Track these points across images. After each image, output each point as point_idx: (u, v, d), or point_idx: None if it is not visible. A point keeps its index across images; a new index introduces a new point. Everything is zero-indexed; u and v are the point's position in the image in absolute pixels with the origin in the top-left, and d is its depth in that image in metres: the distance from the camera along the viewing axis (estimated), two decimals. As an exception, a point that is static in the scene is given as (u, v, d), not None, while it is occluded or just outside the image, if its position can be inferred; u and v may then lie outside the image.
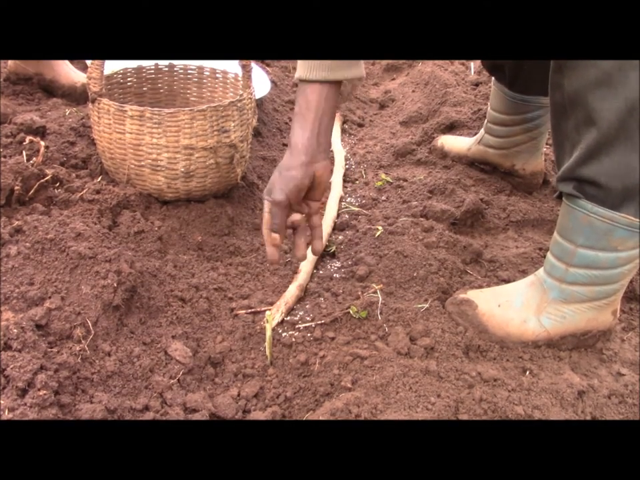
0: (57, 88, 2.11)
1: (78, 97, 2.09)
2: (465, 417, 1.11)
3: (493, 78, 1.85)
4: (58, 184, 1.55)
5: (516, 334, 1.28)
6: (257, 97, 2.08)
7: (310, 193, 1.28)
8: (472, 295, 1.34)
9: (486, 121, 1.94)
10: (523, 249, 1.63)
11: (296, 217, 1.29)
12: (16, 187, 1.43)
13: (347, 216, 1.84)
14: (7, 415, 0.94)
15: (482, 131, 1.97)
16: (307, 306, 1.37)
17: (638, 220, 1.14)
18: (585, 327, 1.28)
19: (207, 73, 1.95)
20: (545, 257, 1.56)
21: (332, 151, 2.26)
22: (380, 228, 1.66)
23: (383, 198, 1.95)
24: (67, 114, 1.93)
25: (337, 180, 1.99)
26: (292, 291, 1.42)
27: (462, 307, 1.32)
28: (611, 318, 1.30)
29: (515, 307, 1.30)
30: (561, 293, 1.26)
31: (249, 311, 1.38)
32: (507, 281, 1.49)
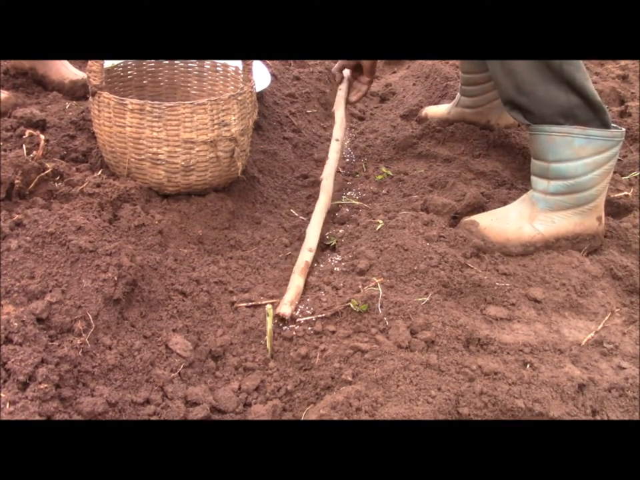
0: (47, 83, 2.12)
1: (65, 93, 2.08)
2: (465, 411, 1.11)
3: None
4: (58, 177, 1.55)
5: (514, 239, 1.52)
6: (258, 90, 2.07)
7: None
8: (475, 217, 1.60)
9: (460, 84, 2.18)
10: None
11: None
12: (16, 181, 1.42)
13: (347, 209, 1.84)
14: (8, 409, 0.95)
15: (458, 94, 2.21)
16: (308, 299, 1.37)
17: (589, 128, 1.42)
18: (573, 229, 1.51)
19: (208, 67, 1.95)
20: (545, 250, 1.56)
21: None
22: (380, 221, 1.65)
23: (384, 191, 1.94)
24: (67, 107, 1.93)
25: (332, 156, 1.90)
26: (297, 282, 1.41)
27: (467, 226, 1.57)
28: (596, 223, 1.52)
29: (510, 218, 1.54)
30: (547, 203, 1.51)
31: (250, 304, 1.38)
32: (508, 275, 1.49)
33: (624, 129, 1.50)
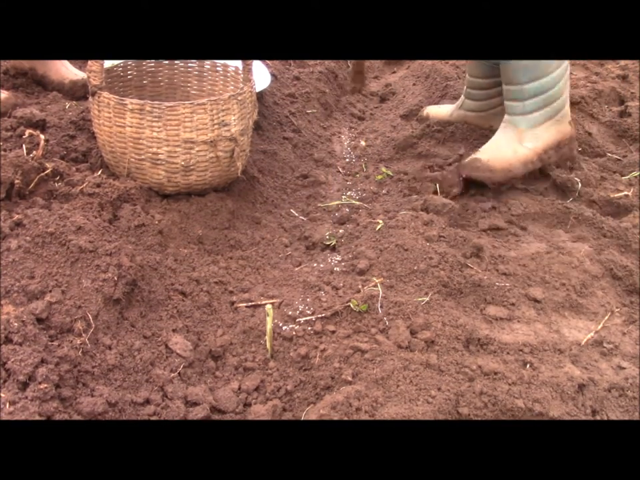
0: (47, 83, 2.11)
1: (65, 93, 2.08)
2: (465, 411, 1.11)
3: None
4: (58, 177, 1.55)
5: (514, 161, 1.71)
6: (258, 90, 2.07)
7: None
8: (472, 156, 1.76)
9: (465, 87, 2.20)
10: (524, 244, 1.63)
11: None
12: (16, 181, 1.42)
13: (347, 209, 1.84)
14: (8, 409, 0.95)
15: (462, 97, 2.22)
16: (308, 299, 1.37)
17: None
18: (555, 138, 1.74)
19: (208, 67, 1.95)
20: (545, 251, 1.57)
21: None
22: (380, 221, 1.65)
23: (384, 191, 1.94)
24: (66, 107, 1.93)
25: None
26: None
27: (474, 164, 1.72)
28: (570, 127, 1.78)
29: (502, 145, 1.72)
30: (527, 121, 1.73)
31: (250, 304, 1.38)
32: (508, 275, 1.49)
33: None
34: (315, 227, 1.75)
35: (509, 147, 1.71)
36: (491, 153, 1.72)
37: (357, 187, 2.00)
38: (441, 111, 2.31)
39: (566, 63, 1.72)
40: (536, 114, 1.72)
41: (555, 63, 1.68)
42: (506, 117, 1.76)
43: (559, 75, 1.70)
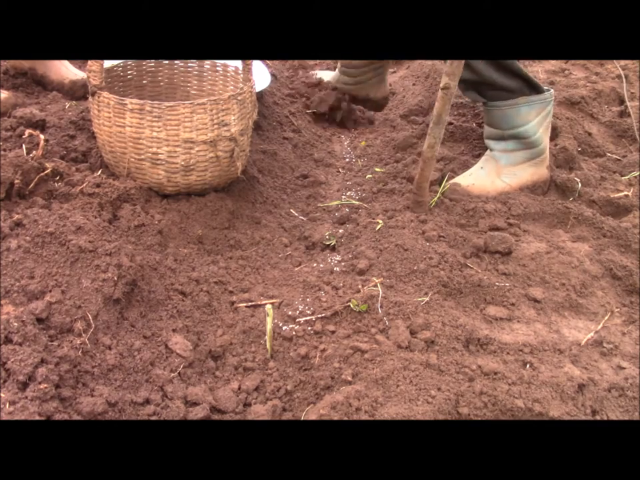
0: (47, 83, 2.11)
1: (65, 93, 2.08)
2: (465, 410, 1.11)
3: None
4: (58, 177, 1.55)
5: (492, 191, 1.81)
6: (257, 90, 2.07)
7: None
8: (454, 180, 1.85)
9: (340, 65, 2.43)
10: (524, 244, 1.63)
11: None
12: (16, 181, 1.42)
13: (347, 209, 1.84)
14: (8, 409, 0.95)
15: (337, 72, 2.46)
16: (308, 299, 1.37)
17: (530, 96, 1.76)
18: (531, 179, 1.83)
19: (208, 66, 1.95)
20: (545, 251, 1.57)
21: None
22: (380, 221, 1.65)
23: (383, 191, 1.94)
24: (66, 107, 1.93)
25: None
26: None
27: (453, 187, 1.81)
28: (547, 171, 1.85)
29: (482, 176, 1.84)
30: (508, 159, 1.82)
31: (250, 304, 1.38)
32: (508, 275, 1.49)
33: (552, 90, 1.82)
34: (315, 227, 1.75)
35: (487, 178, 1.83)
36: (470, 180, 1.83)
37: (356, 187, 2.00)
38: (329, 76, 2.53)
39: (546, 111, 1.80)
40: (516, 153, 1.81)
41: (535, 110, 1.77)
42: (488, 152, 1.87)
43: (538, 122, 1.78)
